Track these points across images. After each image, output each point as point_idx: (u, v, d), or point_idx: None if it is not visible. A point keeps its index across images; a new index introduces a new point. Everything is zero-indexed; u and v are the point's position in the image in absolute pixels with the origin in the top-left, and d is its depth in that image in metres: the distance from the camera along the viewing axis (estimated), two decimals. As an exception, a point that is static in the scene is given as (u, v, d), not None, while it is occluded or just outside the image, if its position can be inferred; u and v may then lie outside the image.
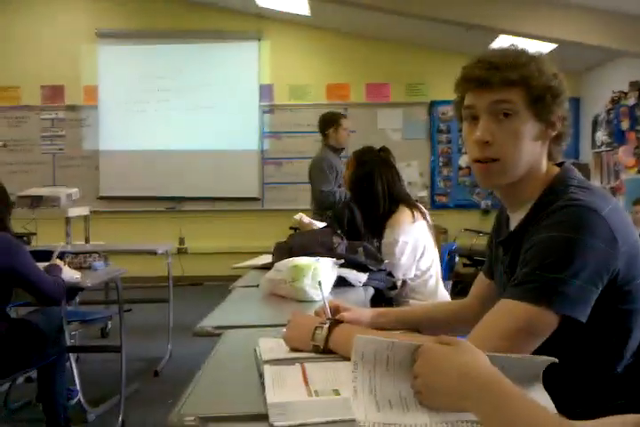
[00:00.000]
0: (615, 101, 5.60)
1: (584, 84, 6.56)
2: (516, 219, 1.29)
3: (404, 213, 2.62)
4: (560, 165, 1.29)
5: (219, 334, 1.59)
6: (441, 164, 6.97)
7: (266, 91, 6.95)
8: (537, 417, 0.74)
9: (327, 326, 1.27)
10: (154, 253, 3.81)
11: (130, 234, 6.39)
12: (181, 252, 6.83)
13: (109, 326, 4.41)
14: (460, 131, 1.32)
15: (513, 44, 1.26)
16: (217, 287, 2.95)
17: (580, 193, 1.17)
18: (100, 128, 7.01)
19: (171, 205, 6.97)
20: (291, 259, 2.08)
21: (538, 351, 1.09)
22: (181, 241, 6.93)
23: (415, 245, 2.59)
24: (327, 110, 6.69)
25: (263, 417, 0.97)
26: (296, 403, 1.00)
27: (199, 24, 6.87)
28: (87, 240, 4.65)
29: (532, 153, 1.21)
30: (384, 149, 2.82)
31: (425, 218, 2.70)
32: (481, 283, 1.52)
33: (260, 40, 6.92)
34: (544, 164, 1.25)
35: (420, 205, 2.78)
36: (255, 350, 1.34)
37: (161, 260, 4.09)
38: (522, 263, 1.15)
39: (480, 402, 0.79)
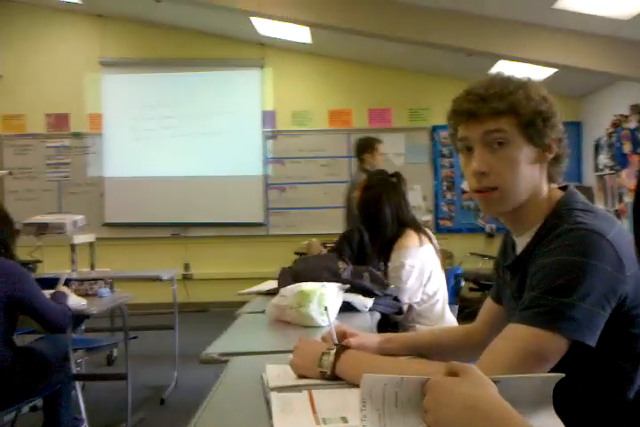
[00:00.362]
0: (616, 125, 5.64)
1: (585, 108, 6.61)
2: (521, 243, 1.29)
3: (411, 237, 2.63)
4: (564, 188, 1.29)
5: (225, 361, 1.59)
6: (444, 188, 6.99)
7: (269, 117, 7.02)
8: None
9: (334, 352, 1.27)
10: (159, 279, 3.80)
11: (135, 260, 6.41)
12: (186, 278, 6.83)
13: (115, 353, 4.39)
14: (462, 156, 1.34)
15: (500, 73, 1.26)
16: (222, 313, 2.94)
17: (584, 216, 1.17)
18: (104, 155, 7.07)
19: (176, 231, 6.98)
20: (296, 284, 2.08)
21: None
22: (186, 267, 6.93)
23: (422, 270, 2.59)
24: (329, 135, 6.87)
25: (272, 445, 0.98)
26: (305, 431, 1.00)
27: (202, 52, 6.97)
28: (92, 267, 4.66)
29: (531, 178, 1.22)
30: (396, 175, 2.84)
31: (432, 242, 2.71)
32: (489, 307, 1.51)
33: (262, 68, 7.01)
34: (545, 187, 1.26)
35: (427, 230, 2.79)
36: (262, 377, 1.34)
37: (166, 286, 4.09)
38: (529, 287, 1.15)
39: None
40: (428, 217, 6.74)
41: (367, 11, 4.94)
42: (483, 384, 0.83)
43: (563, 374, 0.90)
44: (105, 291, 3.04)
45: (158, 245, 6.91)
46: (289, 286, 2.08)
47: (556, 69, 5.22)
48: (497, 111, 1.18)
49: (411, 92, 6.77)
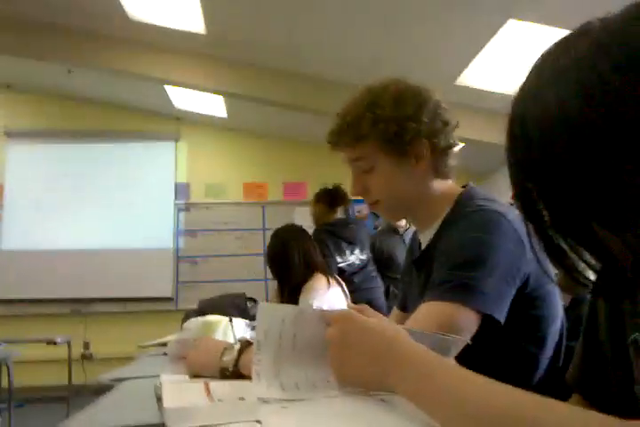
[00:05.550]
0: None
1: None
2: (426, 238, 1.29)
3: (319, 280, 2.61)
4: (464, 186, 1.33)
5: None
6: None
7: (182, 189, 6.93)
8: (465, 387, 0.65)
9: (238, 347, 1.17)
10: (53, 342, 3.51)
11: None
12: (85, 357, 6.32)
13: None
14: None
15: (366, 87, 1.27)
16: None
17: (485, 203, 1.20)
18: (2, 227, 6.68)
19: (76, 307, 6.53)
20: (201, 317, 1.97)
21: (460, 359, 1.04)
22: (86, 346, 6.44)
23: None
24: (243, 208, 6.85)
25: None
26: (196, 407, 0.89)
27: (116, 124, 6.90)
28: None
29: (409, 183, 1.25)
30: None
31: (340, 285, 2.69)
32: (394, 316, 1.48)
33: (177, 141, 7.01)
34: (434, 184, 1.27)
35: (337, 276, 2.78)
36: (155, 385, 1.21)
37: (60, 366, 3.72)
38: (436, 268, 1.14)
39: (404, 373, 0.71)
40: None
41: (280, 82, 5.14)
42: (394, 326, 0.78)
43: (467, 340, 0.87)
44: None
45: (56, 322, 6.40)
46: (193, 319, 1.96)
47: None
48: (351, 142, 1.23)
49: (325, 167, 6.89)
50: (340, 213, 4.03)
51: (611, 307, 0.75)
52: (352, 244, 3.70)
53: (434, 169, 1.26)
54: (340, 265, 3.40)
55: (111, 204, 6.78)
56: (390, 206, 1.29)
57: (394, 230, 4.22)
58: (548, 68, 0.62)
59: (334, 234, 3.67)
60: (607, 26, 0.59)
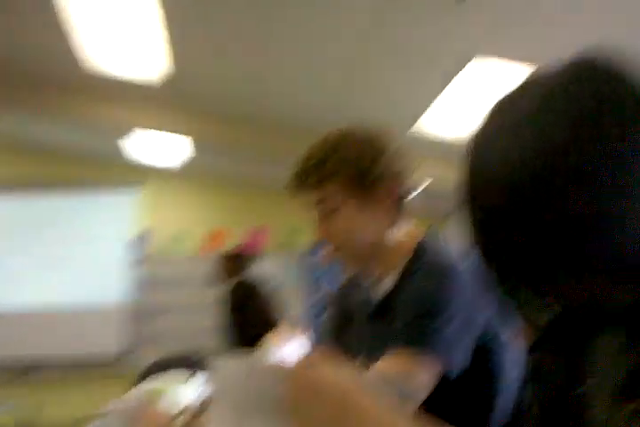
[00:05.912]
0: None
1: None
2: (383, 288, 1.29)
3: (278, 334, 2.51)
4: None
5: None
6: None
7: (139, 242, 6.66)
8: None
9: (187, 412, 1.05)
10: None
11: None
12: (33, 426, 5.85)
13: None
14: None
15: (330, 132, 1.28)
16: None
17: (439, 256, 1.22)
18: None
19: (24, 371, 6.11)
20: (149, 381, 1.78)
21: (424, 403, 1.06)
22: (33, 413, 5.95)
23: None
24: (203, 261, 6.62)
25: None
26: None
27: (68, 175, 6.64)
28: None
29: (369, 229, 1.25)
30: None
31: (304, 335, 2.58)
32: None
33: (134, 192, 6.74)
34: (392, 231, 1.27)
35: (300, 326, 2.68)
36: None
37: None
38: (398, 318, 1.17)
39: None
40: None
41: (241, 128, 5.11)
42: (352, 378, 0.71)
43: (429, 388, 0.97)
44: None
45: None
46: (139, 386, 1.77)
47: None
48: (314, 184, 1.24)
49: (288, 213, 6.82)
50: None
51: (558, 357, 0.72)
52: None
53: (393, 214, 1.26)
54: None
55: (64, 258, 6.44)
56: (350, 255, 1.28)
57: (356, 283, 4.14)
58: (501, 121, 0.63)
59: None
60: (548, 84, 0.61)
